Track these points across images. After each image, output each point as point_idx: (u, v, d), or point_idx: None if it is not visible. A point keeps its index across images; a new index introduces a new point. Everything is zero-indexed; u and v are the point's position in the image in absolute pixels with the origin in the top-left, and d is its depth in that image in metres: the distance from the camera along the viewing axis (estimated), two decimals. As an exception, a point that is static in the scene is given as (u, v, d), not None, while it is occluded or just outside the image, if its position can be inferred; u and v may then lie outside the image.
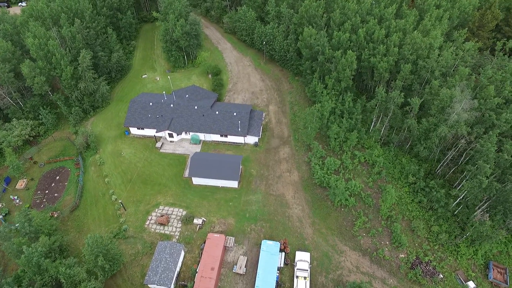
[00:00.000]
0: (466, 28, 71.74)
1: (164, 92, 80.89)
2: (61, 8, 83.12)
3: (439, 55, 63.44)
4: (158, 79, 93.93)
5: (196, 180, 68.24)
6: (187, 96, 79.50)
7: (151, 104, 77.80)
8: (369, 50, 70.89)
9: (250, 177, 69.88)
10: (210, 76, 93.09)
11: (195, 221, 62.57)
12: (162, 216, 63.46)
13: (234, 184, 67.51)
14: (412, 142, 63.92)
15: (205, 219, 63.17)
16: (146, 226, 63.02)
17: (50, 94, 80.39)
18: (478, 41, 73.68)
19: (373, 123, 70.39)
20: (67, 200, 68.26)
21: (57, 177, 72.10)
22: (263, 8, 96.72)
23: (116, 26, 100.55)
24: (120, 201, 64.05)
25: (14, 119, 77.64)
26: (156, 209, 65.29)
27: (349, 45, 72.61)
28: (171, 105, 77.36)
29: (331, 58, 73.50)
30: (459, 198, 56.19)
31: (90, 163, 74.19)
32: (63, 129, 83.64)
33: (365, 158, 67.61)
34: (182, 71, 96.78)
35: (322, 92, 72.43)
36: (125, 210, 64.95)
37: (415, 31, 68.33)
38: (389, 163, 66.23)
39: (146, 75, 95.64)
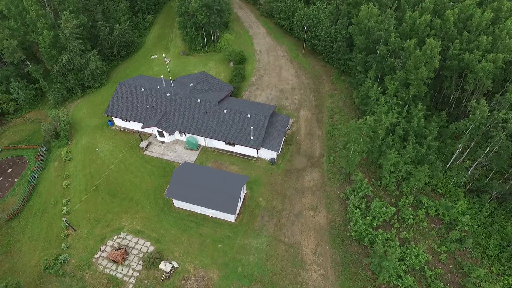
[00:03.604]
0: None
1: (162, 76, 61.76)
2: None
3: None
4: (168, 61, 75.57)
5: (179, 203, 48.01)
6: (191, 84, 59.73)
7: (143, 90, 59.07)
8: (462, 43, 46.08)
9: (256, 209, 48.26)
10: (231, 64, 72.93)
11: (162, 265, 42.32)
12: (118, 249, 44.01)
13: (230, 217, 46.36)
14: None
15: (176, 265, 42.66)
16: (94, 259, 43.91)
17: (28, 64, 64.89)
18: None
19: (454, 156, 44.98)
20: (10, 202, 51.26)
21: (10, 170, 55.81)
22: (310, -16, 74.48)
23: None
24: (64, 219, 45.50)
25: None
26: (115, 236, 46.03)
27: (429, 33, 48.27)
28: (168, 94, 58.02)
29: (397, 51, 49.62)
30: None
31: (55, 157, 57.03)
32: (42, 109, 67.99)
33: (437, 210, 42.36)
34: (200, 56, 77.66)
35: (378, 99, 48.70)
36: (74, 230, 46.50)
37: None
38: (479, 225, 40.45)
39: (155, 56, 77.86)
